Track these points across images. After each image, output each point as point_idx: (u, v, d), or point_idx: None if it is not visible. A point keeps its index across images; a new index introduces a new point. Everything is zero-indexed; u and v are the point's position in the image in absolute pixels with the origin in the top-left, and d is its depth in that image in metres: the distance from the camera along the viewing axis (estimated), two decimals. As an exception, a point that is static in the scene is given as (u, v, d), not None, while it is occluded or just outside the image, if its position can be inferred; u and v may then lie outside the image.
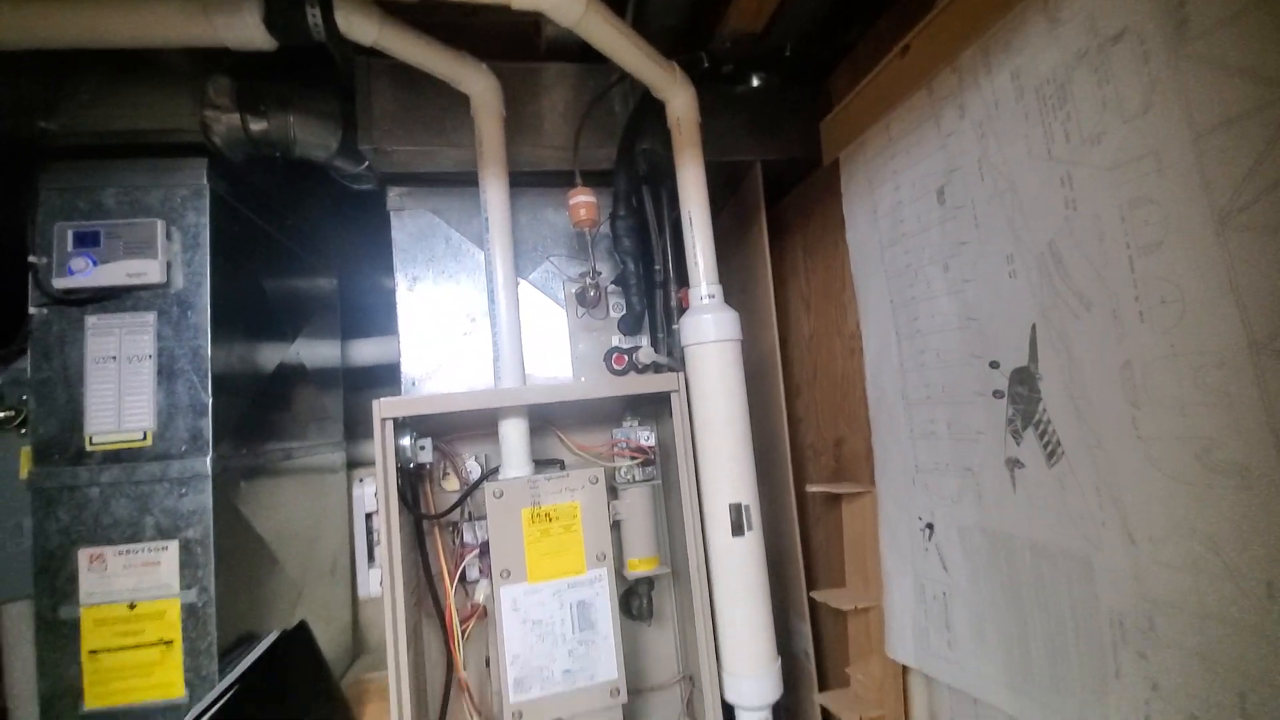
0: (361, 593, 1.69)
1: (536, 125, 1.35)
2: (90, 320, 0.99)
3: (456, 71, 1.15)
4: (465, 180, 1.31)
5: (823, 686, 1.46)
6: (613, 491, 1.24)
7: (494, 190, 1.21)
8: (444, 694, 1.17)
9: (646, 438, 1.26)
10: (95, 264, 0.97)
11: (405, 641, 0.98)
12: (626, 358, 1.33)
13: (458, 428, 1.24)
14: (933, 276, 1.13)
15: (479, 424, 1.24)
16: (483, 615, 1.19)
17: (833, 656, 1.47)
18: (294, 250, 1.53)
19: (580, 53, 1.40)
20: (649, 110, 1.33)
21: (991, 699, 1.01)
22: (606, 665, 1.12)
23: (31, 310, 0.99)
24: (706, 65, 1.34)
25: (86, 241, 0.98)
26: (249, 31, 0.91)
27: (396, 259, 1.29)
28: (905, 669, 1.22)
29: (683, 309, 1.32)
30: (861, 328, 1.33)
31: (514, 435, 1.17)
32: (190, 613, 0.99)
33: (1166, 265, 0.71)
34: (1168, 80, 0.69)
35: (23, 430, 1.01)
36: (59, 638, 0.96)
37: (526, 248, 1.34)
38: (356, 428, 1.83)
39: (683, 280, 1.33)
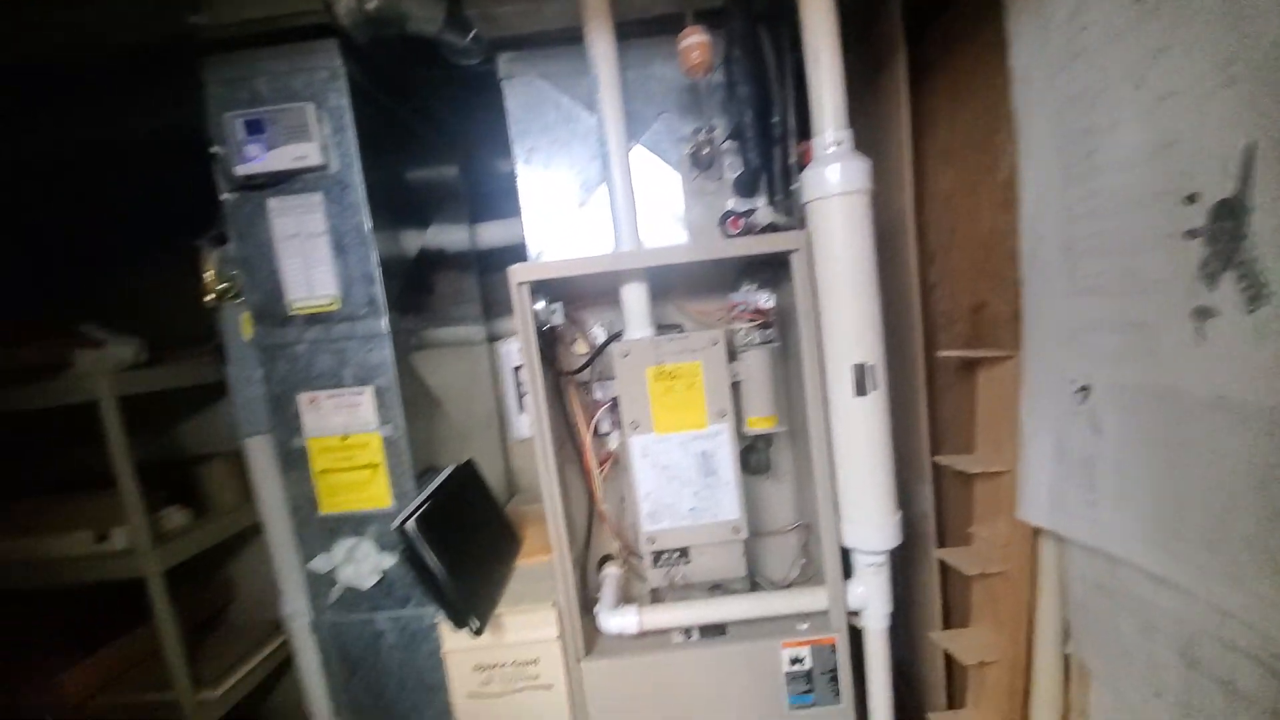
0: (513, 437, 1.96)
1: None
2: (271, 203, 1.14)
3: (557, -91, 1.07)
4: (571, 37, 1.26)
5: (941, 545, 1.49)
6: (731, 354, 1.27)
7: (601, 45, 1.15)
8: (588, 523, 1.36)
9: (765, 300, 1.25)
10: (266, 150, 1.10)
11: (555, 471, 1.14)
12: (743, 221, 1.28)
13: (583, 294, 1.31)
14: (1120, 98, 0.94)
15: (602, 290, 1.30)
16: (615, 462, 1.33)
17: (954, 519, 1.48)
18: (420, 135, 1.60)
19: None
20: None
21: (1134, 558, 0.97)
22: (729, 506, 1.22)
23: (223, 196, 1.16)
24: None
25: (254, 129, 1.10)
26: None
27: (511, 131, 1.31)
28: (1036, 531, 1.20)
29: (802, 166, 1.23)
30: (1021, 173, 1.16)
31: (635, 298, 1.22)
32: (388, 444, 1.22)
33: None
34: None
35: (238, 300, 1.23)
36: (295, 462, 1.23)
37: (636, 106, 1.29)
38: (492, 307, 2.00)
39: (804, 134, 1.23)
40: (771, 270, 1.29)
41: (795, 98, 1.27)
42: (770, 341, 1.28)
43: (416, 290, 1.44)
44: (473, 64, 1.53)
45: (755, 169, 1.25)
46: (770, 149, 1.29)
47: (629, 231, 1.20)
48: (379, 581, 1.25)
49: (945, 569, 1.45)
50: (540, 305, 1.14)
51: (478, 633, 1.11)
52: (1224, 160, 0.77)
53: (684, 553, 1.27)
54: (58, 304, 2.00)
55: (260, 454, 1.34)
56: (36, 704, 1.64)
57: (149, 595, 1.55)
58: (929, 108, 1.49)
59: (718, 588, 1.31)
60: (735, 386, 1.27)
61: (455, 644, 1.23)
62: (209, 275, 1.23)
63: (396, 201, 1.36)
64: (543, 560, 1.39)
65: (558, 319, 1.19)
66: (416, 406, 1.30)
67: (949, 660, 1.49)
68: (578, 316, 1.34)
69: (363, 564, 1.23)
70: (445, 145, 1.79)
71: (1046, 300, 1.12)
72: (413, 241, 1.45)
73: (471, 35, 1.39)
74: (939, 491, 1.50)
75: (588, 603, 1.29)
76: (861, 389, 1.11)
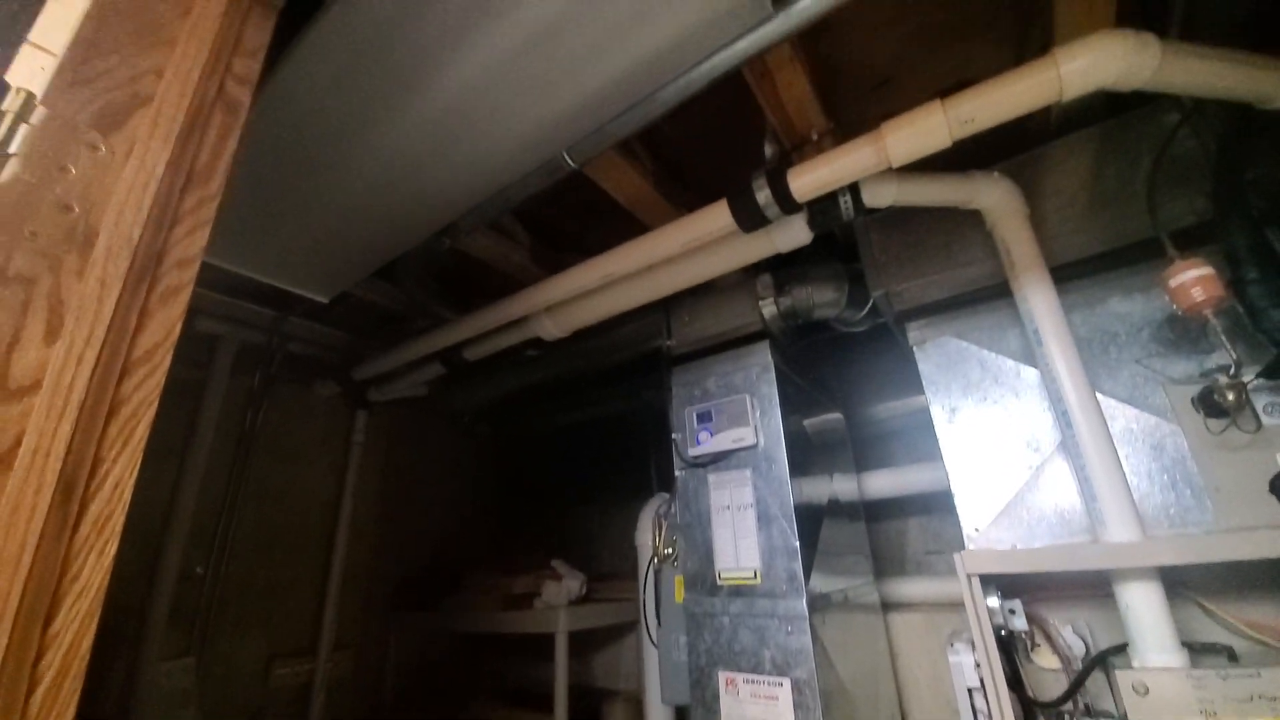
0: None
1: (1060, 210, 1.15)
2: (711, 478, 1.33)
3: (968, 192, 1.12)
4: (986, 296, 1.21)
5: None
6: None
7: (1038, 295, 1.05)
8: None
9: None
10: (711, 435, 1.31)
11: None
12: (1325, 487, 0.84)
13: (1048, 586, 1.01)
14: None
15: (1076, 584, 0.98)
16: None
17: None
18: (815, 396, 1.72)
19: (1096, 113, 1.18)
20: (1249, 129, 0.96)
21: None
22: None
23: (677, 473, 1.40)
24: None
25: (704, 419, 1.35)
26: (796, 234, 1.14)
27: (929, 392, 1.25)
28: None
29: None
30: None
31: (1148, 609, 0.86)
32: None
33: None
34: None
35: (675, 562, 1.39)
36: (703, 739, 1.18)
37: (1092, 352, 1.08)
38: (881, 563, 1.78)
39: None
40: None
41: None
42: None
43: (823, 548, 1.38)
44: (856, 329, 1.63)
45: (1337, 414, 0.84)
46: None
47: (1119, 508, 0.91)
48: None
49: None
50: (994, 603, 0.91)
51: None
52: None
53: None
54: (538, 531, 2.70)
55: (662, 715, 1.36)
56: None
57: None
58: None
59: None
60: None
61: None
62: (659, 540, 1.45)
63: (808, 464, 1.41)
64: None
65: (1018, 623, 0.92)
66: (833, 705, 1.12)
67: None
68: (1035, 612, 1.03)
69: None
70: (831, 399, 1.86)
71: None
72: (821, 496, 1.44)
73: (868, 308, 1.50)
74: None
75: None
76: None
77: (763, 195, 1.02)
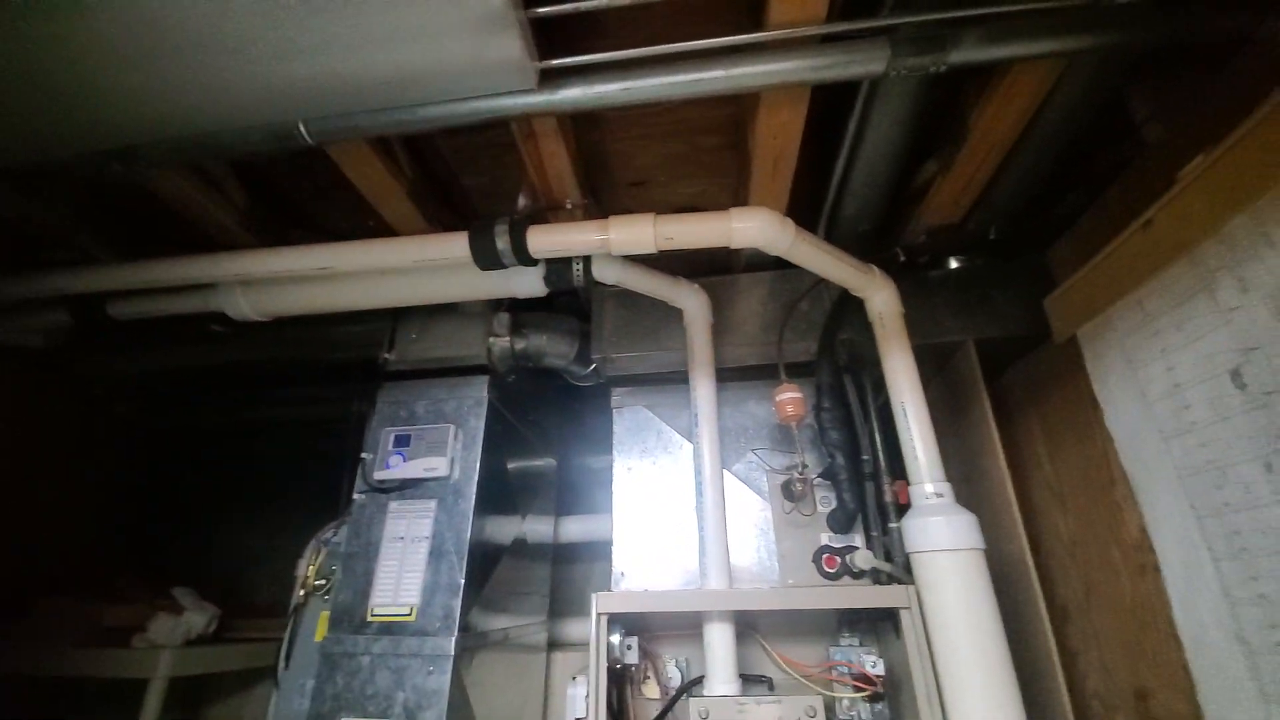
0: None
1: (739, 326, 1.48)
2: (392, 505, 1.26)
3: (674, 293, 1.36)
4: (675, 379, 1.46)
5: None
6: (833, 726, 1.06)
7: (703, 387, 1.31)
8: None
9: (874, 665, 1.09)
10: (404, 460, 1.26)
11: None
12: (839, 559, 1.22)
13: (662, 626, 1.21)
14: (1251, 478, 0.89)
15: (682, 624, 1.20)
16: None
17: None
18: (530, 438, 1.79)
19: (774, 262, 1.57)
20: (847, 305, 1.38)
21: None
22: None
23: (356, 495, 1.29)
24: (903, 260, 1.38)
25: (402, 442, 1.28)
26: (532, 285, 1.22)
27: (616, 450, 1.42)
28: None
29: (898, 504, 1.20)
30: (1153, 540, 1.06)
31: (720, 644, 1.10)
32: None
33: None
34: None
35: (326, 596, 1.25)
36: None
37: (730, 439, 1.39)
38: (560, 604, 1.89)
39: (895, 472, 1.24)
40: (874, 621, 1.15)
41: (883, 437, 1.32)
42: None
43: (496, 586, 1.41)
44: (584, 384, 1.79)
45: (851, 510, 1.23)
46: (862, 486, 1.29)
47: (718, 564, 1.16)
48: None
49: None
50: (616, 639, 1.06)
51: None
52: None
53: None
54: (185, 549, 2.15)
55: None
56: None
57: None
58: (1027, 444, 1.48)
59: None
60: (841, 775, 1.02)
61: None
62: (311, 569, 1.29)
63: (501, 501, 1.44)
64: None
65: (632, 657, 1.09)
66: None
67: None
68: (652, 649, 1.22)
69: None
70: (545, 444, 1.97)
71: (1235, 706, 0.89)
72: (507, 535, 1.48)
73: (592, 368, 1.66)
74: None
75: None
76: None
77: (502, 241, 1.08)
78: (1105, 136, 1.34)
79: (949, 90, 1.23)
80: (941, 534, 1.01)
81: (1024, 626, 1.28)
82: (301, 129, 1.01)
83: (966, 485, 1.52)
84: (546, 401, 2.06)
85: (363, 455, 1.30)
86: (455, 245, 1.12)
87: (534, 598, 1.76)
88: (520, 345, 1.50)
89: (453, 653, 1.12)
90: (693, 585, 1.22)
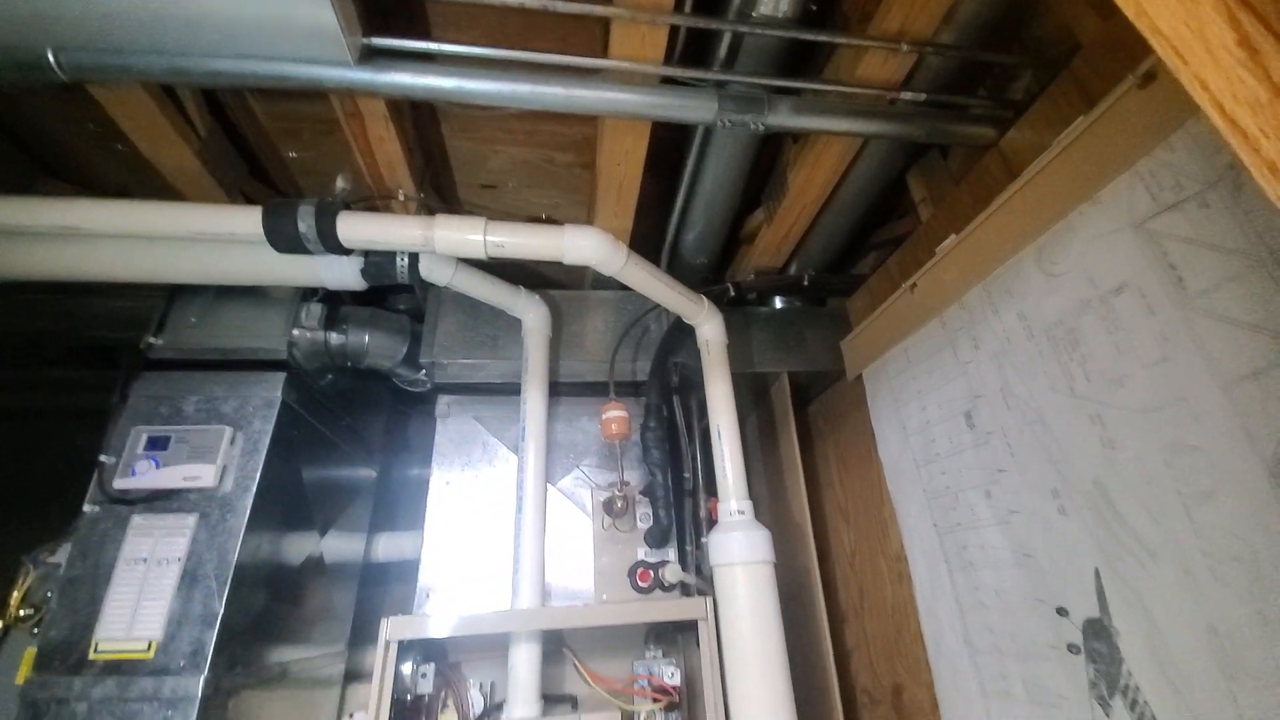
0: None
1: (580, 342, 1.49)
2: (136, 520, 1.03)
3: (513, 302, 1.32)
4: (510, 390, 1.42)
5: None
6: (631, 741, 1.08)
7: (534, 400, 1.29)
8: None
9: (671, 675, 1.13)
10: (158, 466, 1.05)
11: None
12: (652, 574, 1.25)
13: (468, 649, 1.15)
14: (975, 502, 1.08)
15: (490, 644, 1.15)
16: None
17: None
18: (341, 446, 1.62)
19: (621, 283, 1.62)
20: (681, 329, 1.46)
21: None
22: None
23: (86, 508, 1.05)
24: (733, 294, 1.50)
25: (157, 445, 1.07)
26: (346, 275, 1.10)
27: (436, 461, 1.33)
28: None
29: (713, 520, 1.27)
30: (907, 552, 1.24)
31: (524, 667, 1.07)
32: None
33: (1228, 517, 0.66)
34: (1180, 332, 0.71)
35: (35, 630, 1.00)
36: None
37: (560, 455, 1.38)
38: (364, 630, 1.71)
39: (713, 490, 1.32)
40: (678, 634, 1.20)
41: (704, 458, 1.40)
42: (677, 727, 1.11)
43: (278, 612, 1.22)
44: (415, 389, 1.67)
45: (665, 526, 1.28)
46: (681, 504, 1.35)
47: (531, 583, 1.13)
48: None
49: None
50: (406, 668, 0.98)
51: None
52: (1079, 580, 0.84)
53: None
54: None
55: None
56: None
57: None
58: (825, 466, 1.67)
59: None
60: (633, 789, 1.04)
61: None
62: (15, 595, 1.02)
63: (292, 515, 1.27)
64: None
65: (425, 686, 1.01)
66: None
67: None
68: (454, 673, 1.15)
69: None
70: (364, 452, 1.79)
71: (960, 699, 1.06)
72: (298, 553, 1.30)
73: (423, 371, 1.55)
74: None
75: None
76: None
77: (305, 223, 0.97)
78: (899, 210, 1.59)
79: (774, 149, 1.37)
80: (738, 548, 1.08)
81: (811, 630, 1.42)
82: (50, 58, 0.83)
83: (774, 503, 1.68)
84: (372, 406, 1.89)
85: (100, 458, 1.07)
86: (245, 219, 0.97)
87: (332, 624, 1.57)
88: (337, 341, 1.35)
89: (199, 694, 0.94)
90: (507, 604, 1.18)
